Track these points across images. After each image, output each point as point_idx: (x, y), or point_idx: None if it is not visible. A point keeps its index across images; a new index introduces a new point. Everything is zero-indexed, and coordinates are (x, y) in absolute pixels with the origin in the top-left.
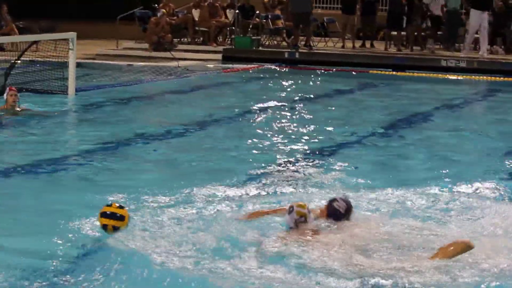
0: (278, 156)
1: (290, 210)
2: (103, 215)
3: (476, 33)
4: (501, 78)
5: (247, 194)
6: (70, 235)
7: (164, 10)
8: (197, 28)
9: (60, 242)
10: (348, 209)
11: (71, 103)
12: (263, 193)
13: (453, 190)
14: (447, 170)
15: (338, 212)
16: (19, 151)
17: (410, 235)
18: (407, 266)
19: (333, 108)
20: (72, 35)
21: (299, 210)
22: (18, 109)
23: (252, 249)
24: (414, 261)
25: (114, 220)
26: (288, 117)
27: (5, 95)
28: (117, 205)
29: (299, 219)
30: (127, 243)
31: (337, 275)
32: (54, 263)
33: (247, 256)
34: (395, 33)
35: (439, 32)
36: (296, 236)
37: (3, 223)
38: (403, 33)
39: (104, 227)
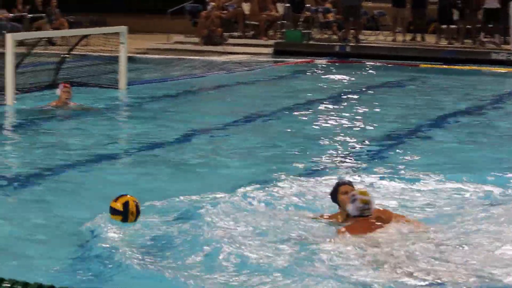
0: (329, 150)
1: (353, 199)
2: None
3: None
4: None
5: (298, 188)
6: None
7: (214, 4)
8: (247, 22)
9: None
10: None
11: (122, 98)
12: (316, 186)
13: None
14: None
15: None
16: (70, 146)
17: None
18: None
19: (384, 101)
20: (123, 29)
21: (362, 198)
22: (70, 105)
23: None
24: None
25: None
26: (339, 110)
27: (58, 91)
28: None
29: (363, 207)
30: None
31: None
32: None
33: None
34: (445, 26)
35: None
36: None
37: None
38: (453, 26)
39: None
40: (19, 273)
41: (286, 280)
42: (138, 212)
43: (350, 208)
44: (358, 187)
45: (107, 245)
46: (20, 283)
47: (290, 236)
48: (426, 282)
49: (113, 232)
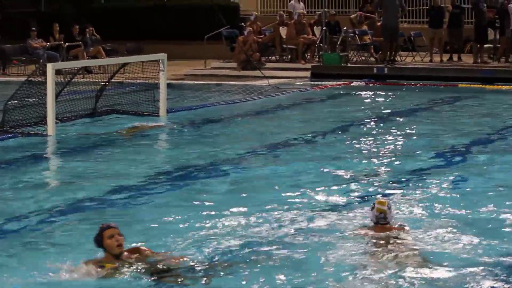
0: (370, 173)
1: (372, 206)
2: None
3: None
4: None
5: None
6: None
7: (251, 29)
8: (284, 45)
9: None
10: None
11: (163, 124)
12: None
13: None
14: None
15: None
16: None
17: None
18: None
19: (424, 123)
20: (162, 56)
21: (378, 207)
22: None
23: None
24: None
25: None
26: (380, 133)
27: None
28: None
29: (379, 216)
30: None
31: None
32: None
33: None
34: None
35: None
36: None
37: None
38: (489, 45)
39: None
40: None
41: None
42: None
43: (370, 215)
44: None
45: None
46: None
47: None
48: None
49: None
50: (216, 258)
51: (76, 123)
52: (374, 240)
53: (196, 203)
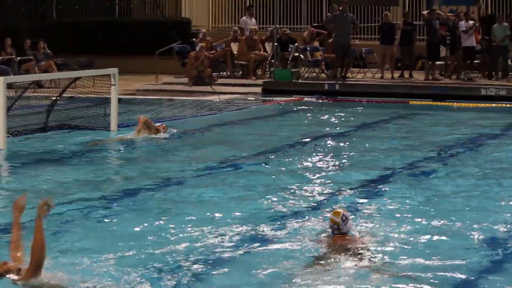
0: (318, 190)
1: (328, 218)
2: None
3: None
4: None
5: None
6: None
7: (203, 44)
8: (236, 61)
9: None
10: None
11: (113, 139)
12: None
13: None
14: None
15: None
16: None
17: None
18: None
19: (373, 140)
20: (114, 70)
21: (332, 217)
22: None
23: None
24: None
25: None
26: (330, 148)
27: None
28: None
29: (332, 226)
30: None
31: None
32: None
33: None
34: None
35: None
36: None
37: None
38: (440, 62)
39: None
40: None
41: None
42: None
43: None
44: None
45: None
46: None
47: None
48: None
49: None
50: (176, 271)
51: (28, 138)
52: (328, 250)
53: (150, 218)
